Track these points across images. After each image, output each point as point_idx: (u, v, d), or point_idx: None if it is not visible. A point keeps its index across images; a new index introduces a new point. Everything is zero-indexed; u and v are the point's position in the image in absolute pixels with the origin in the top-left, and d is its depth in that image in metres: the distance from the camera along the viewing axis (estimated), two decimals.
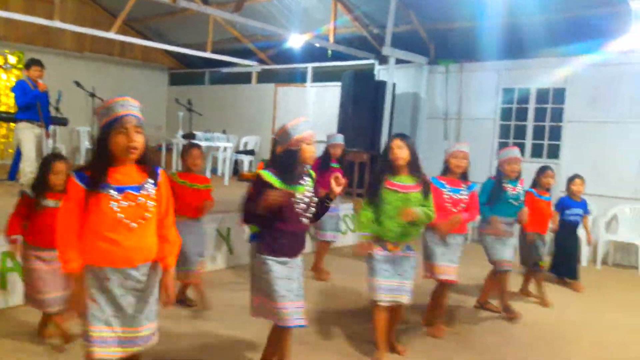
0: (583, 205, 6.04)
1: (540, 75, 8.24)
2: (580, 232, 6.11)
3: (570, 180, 6.03)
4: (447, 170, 4.27)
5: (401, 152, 3.53)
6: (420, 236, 3.89)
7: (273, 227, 3.02)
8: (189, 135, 9.16)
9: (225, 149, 10.40)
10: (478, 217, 4.52)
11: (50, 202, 3.43)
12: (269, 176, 3.00)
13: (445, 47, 9.31)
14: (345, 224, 8.02)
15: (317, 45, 9.49)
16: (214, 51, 10.81)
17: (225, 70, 12.74)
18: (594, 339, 4.51)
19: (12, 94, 10.52)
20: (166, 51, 13.35)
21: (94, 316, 2.38)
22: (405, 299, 3.65)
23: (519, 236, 5.31)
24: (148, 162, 2.47)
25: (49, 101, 6.92)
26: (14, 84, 10.92)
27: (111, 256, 2.37)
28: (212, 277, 5.64)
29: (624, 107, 7.51)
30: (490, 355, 4.04)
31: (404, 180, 3.57)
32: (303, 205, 3.04)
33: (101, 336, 2.38)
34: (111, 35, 9.48)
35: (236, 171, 11.21)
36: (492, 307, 5.04)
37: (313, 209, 3.11)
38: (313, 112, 11.16)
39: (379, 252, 3.61)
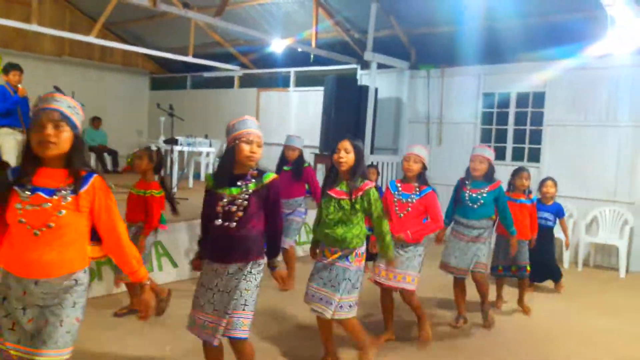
0: (554, 208, 5.95)
1: (520, 79, 8.34)
2: (559, 235, 6.16)
3: (542, 182, 6.00)
4: (403, 174, 4.19)
5: (347, 158, 3.39)
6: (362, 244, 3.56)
7: (208, 229, 2.93)
8: (171, 140, 9.08)
9: (207, 154, 10.34)
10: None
11: None
12: (208, 177, 2.94)
13: (427, 52, 9.37)
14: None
15: (300, 49, 9.48)
16: (196, 55, 10.75)
17: (207, 74, 12.67)
18: (581, 340, 4.56)
19: None
20: (147, 55, 13.22)
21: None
22: (328, 313, 3.38)
23: (496, 240, 5.18)
24: (74, 165, 2.21)
25: (30, 107, 6.81)
26: None
27: (12, 262, 2.19)
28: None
29: (602, 111, 7.62)
30: (478, 357, 4.05)
31: (341, 186, 3.43)
32: (232, 208, 2.80)
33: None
34: (91, 39, 9.39)
35: None
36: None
37: (239, 214, 2.81)
38: (296, 117, 11.16)
39: (318, 259, 3.55)
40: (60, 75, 11.05)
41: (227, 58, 11.71)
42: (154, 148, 4.73)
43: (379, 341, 4.05)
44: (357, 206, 3.39)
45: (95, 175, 2.26)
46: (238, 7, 9.77)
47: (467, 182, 4.65)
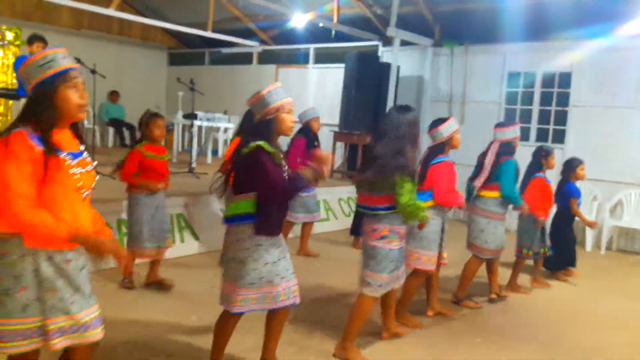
0: (569, 187, 5.63)
1: (546, 59, 8.16)
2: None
3: (578, 164, 5.59)
4: (444, 149, 4.03)
5: None
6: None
7: (273, 202, 2.79)
8: (190, 115, 9.05)
9: (225, 130, 10.30)
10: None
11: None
12: (267, 146, 2.74)
13: (450, 29, 9.18)
14: (349, 206, 7.97)
15: (321, 25, 9.32)
16: (214, 30, 10.62)
17: (225, 50, 12.55)
18: (599, 323, 4.51)
19: (12, 72, 10.41)
20: (165, 30, 13.14)
21: (52, 308, 2.06)
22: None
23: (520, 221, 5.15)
24: (81, 129, 2.25)
25: None
26: (13, 60, 10.78)
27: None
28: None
29: (630, 93, 7.44)
30: (498, 335, 4.02)
31: None
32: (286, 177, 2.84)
33: (60, 327, 2.07)
34: (110, 12, 9.28)
35: None
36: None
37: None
38: (315, 94, 11.03)
39: (392, 245, 3.32)
40: (78, 49, 10.90)
41: (246, 34, 11.55)
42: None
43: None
44: None
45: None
46: None
47: None
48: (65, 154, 2.06)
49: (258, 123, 2.83)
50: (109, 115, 11.32)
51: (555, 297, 5.12)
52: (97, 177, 2.27)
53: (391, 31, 8.39)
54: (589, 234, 7.08)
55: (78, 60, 7.31)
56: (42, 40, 6.65)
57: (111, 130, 11.30)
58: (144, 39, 13.21)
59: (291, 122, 2.84)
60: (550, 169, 5.17)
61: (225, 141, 10.28)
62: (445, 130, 3.99)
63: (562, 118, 8.17)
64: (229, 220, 2.86)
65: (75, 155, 2.11)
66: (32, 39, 6.58)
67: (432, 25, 9.29)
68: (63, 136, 2.11)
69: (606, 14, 7.10)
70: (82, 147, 2.20)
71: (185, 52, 13.77)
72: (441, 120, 4.06)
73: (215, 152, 10.59)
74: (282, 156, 2.86)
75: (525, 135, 8.14)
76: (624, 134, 7.47)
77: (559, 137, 8.16)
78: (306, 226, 5.99)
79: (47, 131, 2.02)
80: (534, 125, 8.44)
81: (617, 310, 4.85)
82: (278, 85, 2.87)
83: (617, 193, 7.40)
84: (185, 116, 9.30)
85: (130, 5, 12.16)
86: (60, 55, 2.09)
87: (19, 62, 6.42)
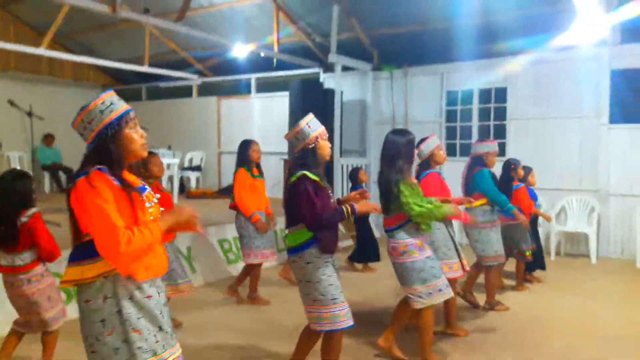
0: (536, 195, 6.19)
1: (482, 75, 8.52)
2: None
3: (529, 171, 6.07)
4: (429, 165, 4.28)
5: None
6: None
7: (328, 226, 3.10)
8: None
9: (169, 166, 10.04)
10: None
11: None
12: (312, 175, 3.03)
13: (388, 53, 9.44)
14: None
15: (262, 54, 9.37)
16: (151, 65, 10.45)
17: (163, 84, 12.34)
18: (562, 324, 4.66)
19: None
20: (98, 68, 12.79)
21: (140, 349, 2.00)
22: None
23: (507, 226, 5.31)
24: (133, 166, 2.28)
25: None
26: None
27: (151, 267, 2.08)
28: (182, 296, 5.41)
29: (564, 103, 7.86)
30: (480, 350, 4.05)
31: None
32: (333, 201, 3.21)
33: None
34: (40, 51, 8.95)
35: (182, 189, 10.83)
36: (473, 300, 5.07)
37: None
38: (260, 123, 11.01)
39: (421, 255, 3.56)
40: (7, 91, 10.52)
41: (184, 66, 11.45)
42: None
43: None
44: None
45: None
46: (195, 14, 9.56)
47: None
48: (133, 189, 2.09)
49: (301, 153, 3.11)
50: (46, 160, 10.78)
51: (518, 302, 5.24)
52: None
53: (332, 57, 8.54)
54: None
55: (11, 103, 7.02)
56: None
57: (47, 175, 10.77)
58: (77, 78, 12.78)
59: (329, 147, 3.13)
60: (519, 178, 5.50)
61: (171, 177, 10.00)
62: (425, 148, 4.28)
63: (501, 131, 8.51)
64: (293, 251, 3.13)
65: (142, 190, 2.14)
66: None
67: (371, 50, 9.53)
68: (127, 175, 2.17)
69: (536, 29, 7.50)
70: (142, 183, 2.22)
71: (121, 88, 13.41)
72: (422, 140, 4.31)
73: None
74: (326, 184, 3.14)
75: (467, 151, 8.43)
76: (561, 142, 7.87)
77: (500, 150, 8.45)
78: None
79: (120, 170, 2.09)
80: (474, 141, 8.71)
81: (577, 311, 5.04)
82: (312, 116, 3.15)
83: (559, 200, 7.74)
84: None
85: (59, 43, 11.76)
86: (115, 98, 2.16)
87: None
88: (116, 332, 1.99)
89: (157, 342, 2.05)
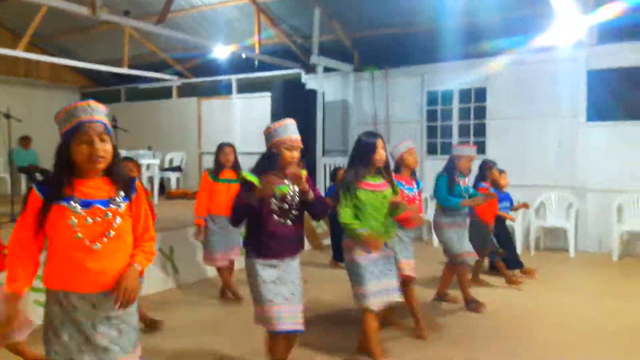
0: (508, 197, 6.36)
1: (461, 76, 8.66)
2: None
3: (500, 173, 6.25)
4: (400, 168, 4.31)
5: (384, 153, 3.55)
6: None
7: (259, 229, 3.01)
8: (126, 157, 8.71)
9: (148, 166, 9.97)
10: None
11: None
12: (250, 176, 3.00)
13: (369, 54, 9.53)
14: None
15: (244, 56, 9.37)
16: (130, 66, 10.37)
17: (142, 86, 12.24)
18: (546, 317, 4.78)
19: None
20: (76, 70, 12.62)
21: (56, 353, 2.11)
22: (397, 296, 3.62)
23: (470, 227, 5.35)
24: (120, 174, 2.21)
25: None
26: None
27: (72, 280, 2.11)
28: (164, 296, 5.41)
29: (542, 102, 8.04)
30: (463, 345, 4.13)
31: (377, 179, 3.58)
32: (285, 206, 3.00)
33: None
34: (17, 53, 8.83)
35: (163, 189, 10.76)
36: (450, 299, 5.17)
37: (295, 211, 3.05)
38: (241, 124, 11.00)
39: (362, 258, 3.50)
40: None
41: (164, 68, 11.38)
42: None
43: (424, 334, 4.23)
44: (394, 193, 3.61)
45: (137, 180, 2.30)
46: (176, 16, 9.52)
47: (458, 176, 4.91)
48: (73, 202, 2.09)
49: (262, 154, 3.11)
50: (23, 162, 10.60)
51: (499, 300, 5.34)
52: (117, 227, 2.17)
53: (314, 59, 8.60)
54: (518, 237, 7.50)
55: None
56: None
57: (24, 177, 10.59)
58: (54, 80, 12.60)
59: (291, 157, 3.02)
60: (492, 179, 5.69)
61: (151, 178, 9.92)
62: (395, 151, 4.37)
63: (481, 131, 8.67)
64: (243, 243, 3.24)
65: (86, 204, 2.11)
66: None
67: (352, 51, 9.62)
68: (92, 184, 2.16)
69: (515, 30, 7.65)
70: (117, 194, 2.19)
71: (99, 90, 13.28)
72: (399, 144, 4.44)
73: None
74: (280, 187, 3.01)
75: (447, 149, 8.57)
76: (540, 141, 8.06)
77: (480, 148, 8.62)
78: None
79: (58, 182, 2.11)
80: (455, 140, 8.89)
81: (559, 304, 5.17)
82: (289, 121, 3.10)
83: (538, 196, 7.92)
84: (124, 159, 8.92)
85: (36, 45, 11.58)
86: (73, 110, 2.13)
87: None
88: (46, 328, 2.17)
89: (79, 351, 2.13)
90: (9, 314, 2.09)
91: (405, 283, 4.15)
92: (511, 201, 6.44)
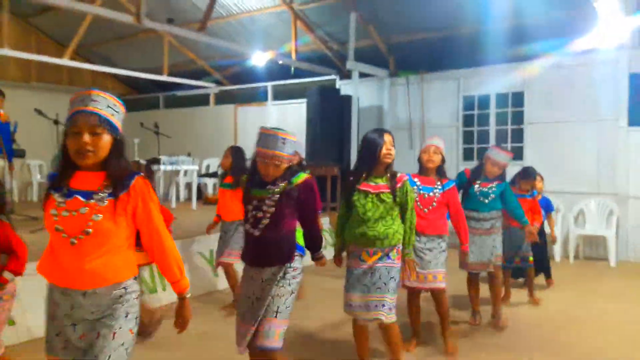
0: (543, 202, 5.95)
1: (498, 80, 8.58)
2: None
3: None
4: (420, 168, 4.04)
5: (392, 150, 3.28)
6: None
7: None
8: (153, 160, 8.92)
9: (186, 172, 10.16)
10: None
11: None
12: (243, 178, 3.05)
13: (405, 59, 9.53)
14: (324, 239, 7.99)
15: (281, 62, 9.50)
16: (169, 74, 10.63)
17: (180, 93, 12.52)
18: (592, 325, 4.68)
19: None
20: (116, 77, 13.01)
21: (48, 343, 2.08)
22: (383, 316, 3.21)
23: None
24: (113, 169, 2.03)
25: (10, 132, 6.55)
26: None
27: (55, 274, 2.03)
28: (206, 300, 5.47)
29: (580, 107, 7.89)
30: (507, 354, 4.09)
31: (377, 180, 3.29)
32: (258, 213, 2.83)
33: None
34: (63, 61, 9.16)
35: (200, 195, 10.95)
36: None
37: (266, 220, 2.81)
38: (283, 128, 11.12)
39: (354, 266, 3.30)
40: (30, 100, 10.70)
41: (201, 75, 11.62)
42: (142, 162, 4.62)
43: (411, 348, 4.01)
44: (398, 199, 3.26)
45: (136, 177, 2.07)
46: (214, 23, 9.72)
47: (476, 178, 4.65)
48: (59, 192, 2.02)
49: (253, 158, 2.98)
50: None
51: (542, 307, 5.27)
52: (94, 224, 1.99)
53: (350, 65, 8.65)
54: (557, 245, 7.35)
55: (39, 112, 7.19)
56: (0, 93, 6.49)
57: None
58: (95, 87, 12.99)
59: (264, 170, 2.82)
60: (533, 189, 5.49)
61: (189, 184, 10.12)
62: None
63: (519, 135, 8.56)
64: None
65: (69, 194, 2.00)
66: None
67: (387, 56, 9.63)
68: (86, 176, 2.04)
69: (555, 33, 7.56)
70: (103, 190, 2.01)
71: (138, 97, 13.63)
72: None
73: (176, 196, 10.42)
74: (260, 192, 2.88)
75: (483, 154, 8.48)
76: (579, 146, 7.90)
77: (517, 154, 8.52)
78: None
79: (66, 168, 2.05)
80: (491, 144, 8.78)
81: (604, 313, 5.06)
82: (272, 132, 2.83)
83: (577, 203, 7.76)
84: (148, 161, 9.15)
85: (79, 54, 11.99)
86: (73, 99, 2.04)
87: None
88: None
89: (62, 348, 2.06)
90: None
91: (434, 294, 3.99)
92: (548, 207, 6.09)
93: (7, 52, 8.28)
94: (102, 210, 1.98)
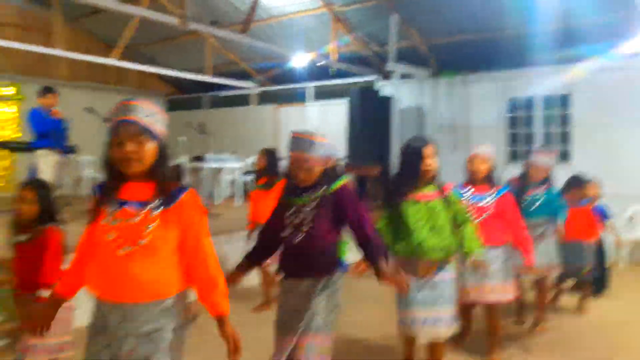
0: (599, 210, 5.69)
1: (545, 82, 8.39)
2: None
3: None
4: (469, 177, 3.93)
5: (433, 163, 3.18)
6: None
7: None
8: (198, 158, 9.14)
9: (232, 170, 10.32)
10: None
11: None
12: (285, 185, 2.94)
13: (446, 60, 9.43)
14: None
15: (321, 63, 9.53)
16: (213, 75, 10.80)
17: (223, 93, 12.72)
18: None
19: (14, 125, 10.42)
20: (161, 78, 13.30)
21: (91, 354, 2.02)
22: (443, 331, 3.17)
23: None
24: (161, 177, 2.02)
25: (64, 128, 6.80)
26: (14, 115, 10.83)
27: (104, 287, 2.01)
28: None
29: (629, 109, 7.66)
30: (556, 352, 4.02)
31: (426, 189, 3.22)
32: (296, 220, 2.70)
33: None
34: (111, 61, 9.41)
35: (243, 192, 11.09)
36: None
37: (305, 228, 2.67)
38: (316, 130, 11.16)
39: (405, 279, 3.06)
40: (80, 99, 11.07)
41: (243, 76, 11.76)
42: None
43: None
44: (448, 206, 3.20)
45: (187, 191, 2.05)
46: (255, 26, 9.81)
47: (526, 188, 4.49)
48: (111, 203, 2.01)
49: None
50: None
51: (594, 310, 5.17)
52: (146, 235, 1.98)
53: (391, 66, 8.60)
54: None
55: (90, 110, 7.42)
56: (53, 91, 6.73)
57: None
58: (141, 87, 13.35)
59: (295, 173, 2.72)
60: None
61: (233, 181, 10.28)
62: None
63: (566, 139, 8.35)
64: None
65: (120, 204, 2.00)
66: (44, 92, 6.65)
67: (428, 57, 9.54)
68: (135, 187, 2.03)
69: (599, 36, 7.36)
70: (153, 199, 2.01)
71: (182, 97, 13.93)
72: None
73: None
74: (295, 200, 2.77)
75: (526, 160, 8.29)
76: (628, 149, 7.66)
77: (564, 157, 8.31)
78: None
79: (111, 178, 2.05)
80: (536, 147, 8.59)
81: None
82: (299, 134, 2.74)
83: (628, 207, 7.50)
84: (193, 159, 9.37)
85: (126, 55, 12.30)
86: (119, 108, 2.01)
87: (34, 115, 6.48)
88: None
89: None
90: (44, 313, 2.14)
91: (489, 309, 3.86)
92: (604, 215, 5.84)
93: (59, 52, 8.56)
94: (155, 220, 1.97)
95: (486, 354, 3.87)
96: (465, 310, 4.00)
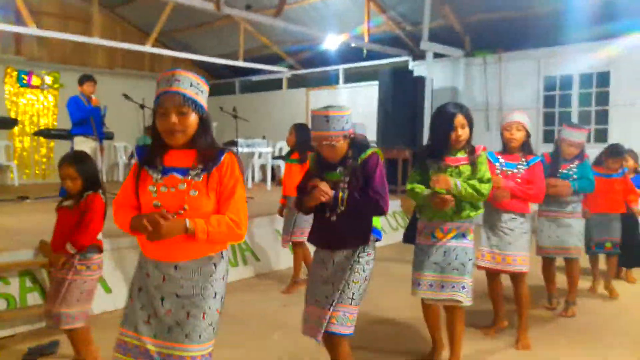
0: (637, 180, 5.43)
1: (581, 60, 8.18)
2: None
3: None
4: (504, 146, 3.85)
5: (463, 134, 3.13)
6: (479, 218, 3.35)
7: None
8: (230, 143, 9.24)
9: (260, 154, 10.45)
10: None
11: None
12: (312, 159, 2.92)
13: (481, 39, 9.27)
14: (396, 221, 8.00)
15: (353, 45, 9.50)
16: (244, 60, 10.89)
17: (255, 78, 12.81)
18: None
19: (52, 113, 10.75)
20: (194, 63, 13.46)
21: (126, 316, 2.13)
22: (461, 297, 3.14)
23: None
24: (202, 146, 2.08)
25: (102, 115, 6.99)
26: (53, 102, 11.17)
27: (152, 247, 2.06)
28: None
29: None
30: (590, 335, 4.00)
31: (457, 154, 3.19)
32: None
33: (125, 342, 2.10)
34: (146, 48, 9.60)
35: (273, 176, 11.23)
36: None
37: (342, 206, 2.68)
38: (334, 104, 11.17)
39: (424, 242, 3.25)
40: (114, 87, 11.31)
41: (274, 60, 11.81)
42: None
43: (491, 332, 3.97)
44: (476, 170, 3.14)
45: (226, 153, 2.12)
46: (288, 8, 9.83)
47: (558, 164, 4.39)
48: (155, 170, 2.09)
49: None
50: None
51: (629, 294, 5.07)
52: (190, 199, 2.05)
53: (424, 45, 8.50)
54: None
55: (126, 97, 7.61)
56: (92, 79, 6.92)
57: None
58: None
59: (320, 151, 2.77)
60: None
61: (263, 166, 10.41)
62: None
63: (604, 117, 8.14)
64: None
65: (165, 172, 2.07)
66: (83, 80, 6.84)
67: (463, 36, 9.39)
68: (178, 154, 2.11)
69: (636, 11, 7.11)
70: (197, 166, 2.07)
71: (215, 82, 14.07)
72: None
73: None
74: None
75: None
76: None
77: (602, 136, 8.11)
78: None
79: (151, 149, 2.13)
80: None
81: None
82: (321, 113, 2.67)
83: None
84: (225, 144, 9.50)
85: (160, 42, 12.51)
86: (161, 78, 2.07)
87: (72, 102, 6.68)
88: (129, 291, 2.21)
89: (145, 322, 2.09)
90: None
91: (513, 279, 3.82)
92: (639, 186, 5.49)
93: (97, 40, 8.76)
94: (198, 186, 2.05)
95: (517, 332, 3.86)
96: (493, 282, 3.97)
